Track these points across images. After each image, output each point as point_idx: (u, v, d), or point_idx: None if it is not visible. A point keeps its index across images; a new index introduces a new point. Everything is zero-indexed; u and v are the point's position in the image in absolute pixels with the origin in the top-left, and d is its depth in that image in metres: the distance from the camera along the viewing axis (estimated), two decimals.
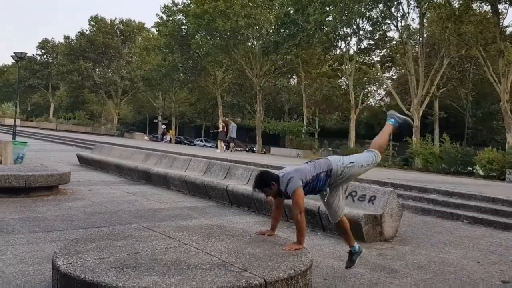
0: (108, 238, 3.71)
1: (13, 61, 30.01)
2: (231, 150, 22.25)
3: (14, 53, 26.21)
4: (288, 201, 4.06)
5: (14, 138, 22.92)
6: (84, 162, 14.35)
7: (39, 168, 8.89)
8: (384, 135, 4.40)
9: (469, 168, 21.17)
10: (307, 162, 4.14)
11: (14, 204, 6.94)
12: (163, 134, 43.53)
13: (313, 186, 3.95)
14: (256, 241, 3.83)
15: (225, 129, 22.22)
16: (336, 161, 4.04)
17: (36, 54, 65.57)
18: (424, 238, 6.52)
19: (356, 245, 4.18)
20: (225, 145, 22.88)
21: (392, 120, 4.47)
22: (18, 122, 39.02)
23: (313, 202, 6.66)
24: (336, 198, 4.05)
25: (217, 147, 27.24)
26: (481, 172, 20.04)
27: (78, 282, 2.76)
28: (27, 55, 32.35)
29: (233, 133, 22.13)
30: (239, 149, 32.82)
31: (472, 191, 9.55)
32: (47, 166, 9.81)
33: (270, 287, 2.84)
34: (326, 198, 4.08)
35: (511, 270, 5.03)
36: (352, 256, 4.17)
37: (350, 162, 4.04)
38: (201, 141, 49.38)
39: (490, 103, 36.33)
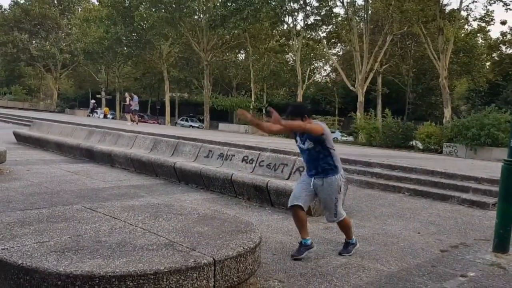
0: (48, 221, 3.52)
1: None
2: (134, 122, 22.77)
3: None
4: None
5: None
6: (22, 140, 13.59)
7: None
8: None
9: (409, 142, 22.14)
10: None
11: None
12: (93, 109, 42.63)
13: (325, 156, 4.13)
14: (205, 219, 3.78)
15: (130, 103, 22.59)
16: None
17: None
18: (368, 211, 6.75)
19: (309, 239, 4.25)
20: (130, 118, 23.47)
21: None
22: None
23: (261, 178, 6.70)
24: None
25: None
26: (420, 146, 21.02)
27: (15, 268, 2.59)
28: None
29: (136, 106, 22.91)
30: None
31: (413, 164, 9.99)
32: None
33: (219, 265, 2.81)
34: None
35: (448, 240, 5.32)
36: (301, 248, 4.22)
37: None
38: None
39: (430, 79, 37.93)
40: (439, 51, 24.88)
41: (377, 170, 9.60)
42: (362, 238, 5.09)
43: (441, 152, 19.59)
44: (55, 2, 53.27)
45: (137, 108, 23.31)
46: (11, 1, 53.37)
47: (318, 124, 4.04)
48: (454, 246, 5.06)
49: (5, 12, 53.65)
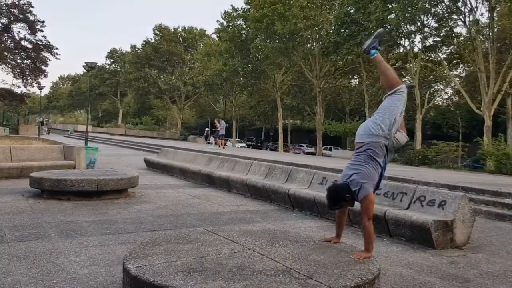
0: (175, 242, 3.80)
1: (85, 70, 31.85)
2: (220, 146, 23.54)
3: (86, 63, 27.80)
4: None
5: (86, 143, 24.27)
6: (151, 165, 14.90)
7: (110, 172, 9.33)
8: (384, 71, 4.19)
9: None
10: (359, 162, 3.95)
11: (86, 207, 7.33)
12: (207, 136, 44.38)
13: (379, 180, 3.94)
14: (321, 248, 3.76)
15: (219, 128, 23.38)
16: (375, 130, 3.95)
17: (105, 63, 69.38)
18: (499, 245, 6.11)
19: None
20: (214, 141, 24.10)
21: (373, 51, 4.23)
22: (90, 128, 41.37)
23: (378, 207, 6.47)
24: None
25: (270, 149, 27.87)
26: None
27: (147, 285, 2.84)
28: (97, 64, 34.21)
29: (222, 130, 23.80)
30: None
31: None
32: (117, 170, 10.29)
33: None
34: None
35: None
36: None
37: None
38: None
39: None
40: None
41: (509, 200, 8.68)
42: (493, 275, 4.62)
43: None
44: (180, 39, 58.29)
45: (223, 133, 24.37)
46: (143, 41, 59.68)
47: (364, 198, 3.80)
48: None
49: (138, 51, 60.04)
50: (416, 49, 32.31)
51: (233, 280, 2.84)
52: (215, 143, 24.63)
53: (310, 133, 49.62)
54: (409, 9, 27.23)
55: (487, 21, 27.97)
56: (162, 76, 58.95)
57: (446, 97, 46.17)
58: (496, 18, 28.48)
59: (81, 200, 7.81)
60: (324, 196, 7.42)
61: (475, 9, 27.20)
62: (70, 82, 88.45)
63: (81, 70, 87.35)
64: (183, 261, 3.23)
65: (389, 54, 37.40)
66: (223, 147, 23.83)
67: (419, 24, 29.80)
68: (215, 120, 25.28)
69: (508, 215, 8.03)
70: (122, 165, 15.39)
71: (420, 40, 31.62)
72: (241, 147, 44.70)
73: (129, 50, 64.19)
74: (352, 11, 31.05)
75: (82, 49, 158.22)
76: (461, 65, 39.26)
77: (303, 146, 48.17)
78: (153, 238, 4.02)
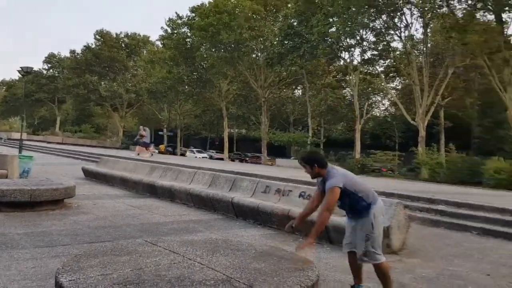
0: (111, 254, 3.65)
1: (20, 75, 30.26)
2: (138, 154, 23.49)
3: (21, 67, 26.41)
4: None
5: (20, 152, 22.98)
6: (90, 175, 14.35)
7: (45, 182, 8.87)
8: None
9: (476, 178, 21.01)
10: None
11: (19, 218, 6.91)
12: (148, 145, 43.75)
13: (355, 201, 3.91)
14: (262, 256, 3.76)
15: (143, 135, 23.54)
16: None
17: (43, 69, 66.28)
18: (433, 250, 6.42)
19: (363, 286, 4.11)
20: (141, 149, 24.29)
21: None
22: (25, 136, 39.28)
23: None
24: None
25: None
26: (489, 182, 19.88)
27: None
28: (33, 69, 32.64)
29: (147, 138, 23.74)
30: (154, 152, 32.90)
31: (481, 201, 9.44)
32: (52, 180, 9.81)
33: None
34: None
35: None
36: None
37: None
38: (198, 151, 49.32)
39: (497, 112, 36.12)
40: (506, 83, 23.76)
41: (441, 207, 9.15)
42: (426, 279, 4.84)
43: None
44: (123, 45, 56.95)
45: (148, 141, 24.26)
46: (84, 46, 57.71)
47: (331, 192, 3.81)
48: None
49: (78, 56, 57.99)
50: (355, 62, 33.60)
51: None
52: (138, 153, 24.21)
53: (256, 142, 50.01)
54: (349, 23, 28.32)
55: (421, 36, 29.66)
56: (103, 83, 57.26)
57: (384, 108, 48.31)
58: (429, 34, 30.24)
59: (13, 211, 7.35)
60: (266, 204, 7.48)
61: (411, 25, 28.79)
62: (4, 87, 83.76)
63: (16, 75, 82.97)
64: (120, 273, 3.11)
65: (330, 67, 38.62)
66: (151, 155, 23.59)
67: (358, 38, 31.04)
68: (140, 127, 25.06)
69: (441, 221, 8.45)
70: (58, 174, 14.70)
71: (359, 53, 32.94)
72: (202, 157, 42.90)
73: (68, 55, 61.86)
74: (295, 23, 31.83)
75: (17, 54, 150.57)
76: (397, 78, 41.23)
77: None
78: (88, 250, 3.85)
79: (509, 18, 25.25)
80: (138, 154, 23.69)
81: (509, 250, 6.72)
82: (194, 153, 47.12)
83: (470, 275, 5.16)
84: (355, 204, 3.92)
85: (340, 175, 3.90)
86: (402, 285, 4.53)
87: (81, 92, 54.38)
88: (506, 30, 24.68)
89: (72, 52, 59.50)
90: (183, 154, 47.11)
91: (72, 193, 8.42)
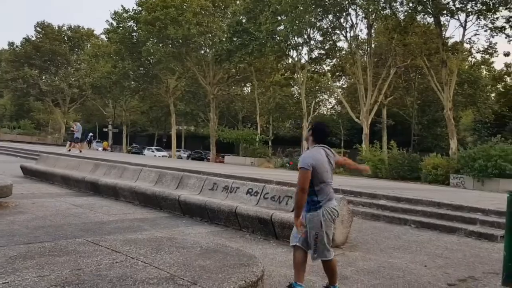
0: (49, 254, 3.51)
1: None
2: (74, 149, 23.34)
3: None
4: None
5: None
6: (29, 173, 13.67)
7: None
8: None
9: (415, 173, 22.00)
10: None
11: None
12: (90, 141, 42.53)
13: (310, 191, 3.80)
14: (208, 253, 3.75)
15: (74, 131, 23.43)
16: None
17: None
18: (374, 243, 6.66)
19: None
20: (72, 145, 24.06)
21: None
22: None
23: (265, 210, 6.66)
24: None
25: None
26: (426, 177, 20.87)
27: None
28: None
29: (78, 133, 23.55)
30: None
31: (419, 196, 9.89)
32: None
33: None
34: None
35: (456, 273, 5.21)
36: None
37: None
38: (152, 150, 48.23)
39: (435, 110, 38.05)
40: (443, 83, 25.05)
41: (382, 202, 9.51)
42: (367, 271, 5.01)
43: (448, 184, 19.43)
44: (65, 38, 54.62)
45: (79, 136, 23.90)
46: (23, 38, 54.78)
47: (299, 169, 3.78)
48: (462, 279, 4.96)
49: (17, 48, 55.00)
50: (303, 61, 34.15)
51: None
52: (71, 147, 23.53)
53: (204, 139, 49.67)
54: (297, 22, 28.75)
55: (366, 37, 30.65)
56: (44, 77, 54.67)
57: (330, 106, 49.50)
58: (373, 35, 31.30)
59: None
60: (213, 201, 7.46)
61: (356, 25, 29.65)
62: None
63: None
64: (58, 274, 2.99)
65: (278, 65, 39.04)
66: (80, 151, 22.99)
67: (306, 37, 31.58)
68: (71, 123, 24.36)
69: (382, 215, 8.78)
70: None
71: (306, 52, 33.53)
72: (162, 156, 41.39)
73: (6, 47, 58.50)
74: (244, 20, 31.88)
75: None
76: (343, 77, 42.39)
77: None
78: (24, 252, 3.67)
79: (447, 21, 26.68)
80: (69, 150, 23.02)
81: (445, 242, 7.09)
82: (153, 151, 46.03)
83: (409, 266, 5.40)
84: (310, 195, 3.82)
85: (311, 155, 3.84)
86: (344, 278, 4.66)
87: (20, 86, 51.60)
88: (444, 32, 26.01)
89: (11, 44, 56.33)
90: (137, 153, 46.02)
91: (9, 192, 7.99)
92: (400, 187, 14.68)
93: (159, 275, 3.05)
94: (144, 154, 44.52)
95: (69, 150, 23.03)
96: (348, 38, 29.97)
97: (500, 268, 4.89)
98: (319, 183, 3.81)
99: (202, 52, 36.32)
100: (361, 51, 32.18)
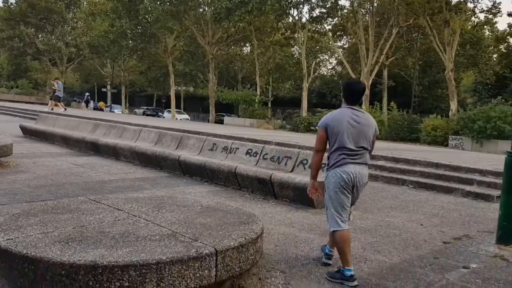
0: (52, 212, 3.56)
1: None
2: (55, 108, 22.94)
3: None
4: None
5: None
6: (28, 133, 13.69)
7: None
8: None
9: (414, 134, 22.04)
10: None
11: None
12: (87, 101, 43.32)
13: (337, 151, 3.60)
14: (208, 211, 3.81)
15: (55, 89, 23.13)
16: None
17: None
18: (371, 203, 6.76)
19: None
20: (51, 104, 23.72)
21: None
22: None
23: (265, 171, 6.72)
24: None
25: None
26: (425, 139, 20.93)
27: (19, 258, 2.63)
28: None
29: (60, 92, 23.19)
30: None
31: (417, 157, 9.96)
32: None
33: (220, 255, 2.84)
34: None
35: (451, 231, 5.32)
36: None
37: None
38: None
39: (436, 71, 37.68)
40: (445, 44, 24.69)
41: (381, 162, 9.59)
42: (364, 230, 5.11)
43: (447, 145, 19.52)
44: None
45: (61, 95, 23.59)
46: None
47: (318, 134, 3.68)
48: (457, 238, 5.07)
49: (12, 6, 53.73)
50: (304, 20, 33.49)
51: (115, 247, 2.75)
52: (54, 105, 23.22)
53: (203, 100, 49.39)
54: None
55: None
56: (40, 36, 53.67)
57: (331, 67, 48.95)
58: None
59: None
60: (213, 161, 7.51)
61: None
62: None
63: None
64: (61, 231, 3.05)
65: (279, 24, 38.29)
66: (64, 109, 22.78)
67: None
68: (52, 81, 23.97)
69: (380, 175, 8.87)
70: None
71: (307, 10, 32.80)
72: (181, 119, 39.36)
73: (0, 5, 57.16)
74: None
75: None
76: (344, 37, 41.65)
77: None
78: (27, 209, 3.73)
79: None
80: (52, 109, 22.83)
81: (441, 201, 7.20)
82: (170, 113, 42.19)
83: (405, 225, 5.50)
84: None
85: (326, 117, 3.70)
86: None
87: (16, 45, 50.73)
88: None
89: (5, 1, 54.95)
90: (152, 115, 45.07)
91: (9, 152, 8.03)
92: (399, 148, 14.75)
93: (161, 232, 3.11)
94: (164, 117, 43.62)
95: (52, 109, 22.67)
96: None
97: (495, 227, 4.99)
98: (333, 144, 3.60)
99: (201, 10, 35.52)
100: (363, 10, 31.50)
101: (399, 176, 8.69)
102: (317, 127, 3.73)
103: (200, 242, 2.90)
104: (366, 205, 6.52)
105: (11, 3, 53.86)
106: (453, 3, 27.00)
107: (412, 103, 34.53)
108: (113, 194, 6.11)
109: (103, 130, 11.53)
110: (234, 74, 48.40)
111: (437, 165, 9.08)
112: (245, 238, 3.08)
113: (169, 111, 44.24)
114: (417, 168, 8.99)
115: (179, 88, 53.01)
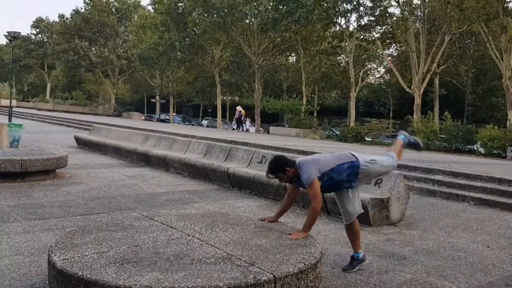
0: (107, 229, 3.53)
1: (7, 40, 29.43)
2: None
3: (8, 32, 25.67)
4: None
5: (10, 120, 22.62)
6: (82, 144, 14.14)
7: (36, 151, 8.68)
8: (398, 146, 4.44)
9: (470, 146, 21.03)
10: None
11: (9, 189, 6.76)
12: (239, 119, 33.71)
13: (333, 179, 3.76)
14: (262, 231, 3.66)
15: None
16: (361, 155, 3.93)
17: (31, 33, 64.59)
18: (431, 221, 6.37)
19: (361, 252, 4.04)
20: None
21: (402, 136, 4.53)
22: (14, 103, 38.61)
23: None
24: (352, 197, 3.89)
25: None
26: (482, 150, 19.92)
27: (75, 280, 2.58)
28: (21, 34, 31.71)
29: None
30: None
31: (477, 171, 9.39)
32: (43, 149, 9.61)
33: (279, 282, 2.67)
34: (343, 196, 3.91)
35: None
36: (353, 261, 4.00)
37: (372, 160, 3.92)
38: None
39: (491, 79, 35.99)
40: (502, 50, 23.48)
41: (439, 177, 9.10)
42: (427, 251, 4.78)
43: (505, 157, 18.46)
44: (113, 10, 55.43)
45: None
46: (73, 10, 56.06)
47: (311, 187, 3.66)
48: None
49: (67, 21, 56.42)
50: (351, 28, 32.99)
51: (170, 270, 2.65)
52: None
53: (249, 109, 49.63)
54: None
55: (419, 2, 29.05)
56: (93, 49, 55.97)
57: (379, 75, 47.86)
58: (427, 0, 29.62)
59: (2, 182, 7.19)
60: (263, 175, 7.36)
61: None
62: None
63: (3, 40, 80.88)
64: (116, 251, 2.99)
65: (325, 33, 37.94)
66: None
67: (355, 3, 30.38)
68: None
69: (438, 191, 8.41)
70: (50, 143, 14.47)
71: (355, 19, 32.30)
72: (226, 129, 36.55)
73: (57, 19, 60.17)
74: None
75: (3, 18, 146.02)
76: (394, 44, 40.69)
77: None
78: (82, 226, 3.72)
79: None
80: None
81: (507, 220, 6.70)
82: (245, 124, 36.46)
83: (470, 246, 5.12)
84: (337, 178, 3.78)
85: (309, 163, 3.76)
86: (403, 258, 4.47)
87: (71, 58, 53.15)
88: None
89: (61, 16, 57.85)
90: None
91: (65, 163, 8.25)
92: (455, 160, 14.06)
93: (216, 254, 2.98)
94: (202, 125, 44.89)
95: None
96: (400, 4, 28.55)
97: None
98: (332, 171, 3.82)
99: (247, 21, 35.78)
100: (413, 17, 30.64)
101: (459, 192, 8.20)
102: (312, 179, 3.68)
103: (257, 267, 2.75)
104: (425, 224, 6.15)
105: (67, 18, 56.61)
106: (510, 8, 25.73)
107: (465, 112, 33.11)
108: (164, 207, 6.09)
109: (154, 141, 11.70)
110: (280, 84, 48.30)
111: (500, 180, 8.51)
112: (304, 264, 2.90)
113: (207, 119, 46.30)
114: (478, 184, 8.45)
115: (224, 98, 53.53)
